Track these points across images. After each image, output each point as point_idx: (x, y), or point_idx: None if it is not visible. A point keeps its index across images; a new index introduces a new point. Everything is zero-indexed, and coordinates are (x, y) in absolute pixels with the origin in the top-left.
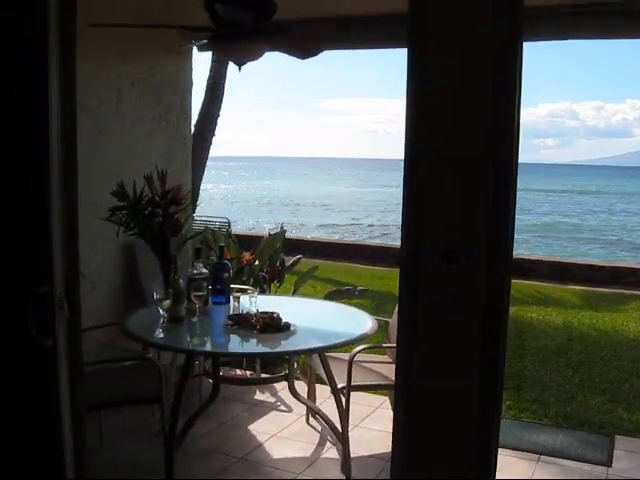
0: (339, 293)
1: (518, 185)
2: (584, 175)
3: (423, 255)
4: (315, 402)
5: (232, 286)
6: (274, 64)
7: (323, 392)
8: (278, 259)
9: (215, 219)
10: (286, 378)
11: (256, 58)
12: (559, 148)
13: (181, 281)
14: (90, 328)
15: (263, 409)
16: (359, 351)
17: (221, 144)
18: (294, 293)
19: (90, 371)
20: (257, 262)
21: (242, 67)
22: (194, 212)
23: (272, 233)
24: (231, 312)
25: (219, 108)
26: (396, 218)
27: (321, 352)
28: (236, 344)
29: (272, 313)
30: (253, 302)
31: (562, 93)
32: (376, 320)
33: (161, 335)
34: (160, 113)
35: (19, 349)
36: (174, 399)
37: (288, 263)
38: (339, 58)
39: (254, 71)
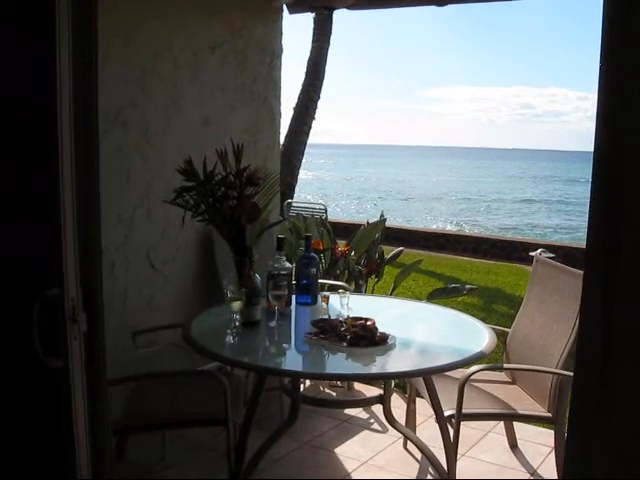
0: (445, 292)
1: None
2: None
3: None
4: (415, 422)
5: (322, 281)
6: (370, 49)
7: (426, 408)
8: (377, 251)
9: (311, 206)
10: (380, 400)
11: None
12: None
13: (258, 277)
14: (153, 329)
15: (354, 427)
16: (474, 373)
17: (317, 131)
18: (394, 290)
19: (142, 385)
20: (353, 254)
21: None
22: (291, 198)
23: (371, 222)
24: (317, 315)
25: (319, 91)
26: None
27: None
28: (318, 361)
29: (366, 320)
30: (344, 303)
31: None
32: (492, 330)
33: (230, 342)
34: (244, 82)
35: (24, 368)
36: (243, 420)
37: (388, 256)
38: (439, 46)
39: (348, 56)
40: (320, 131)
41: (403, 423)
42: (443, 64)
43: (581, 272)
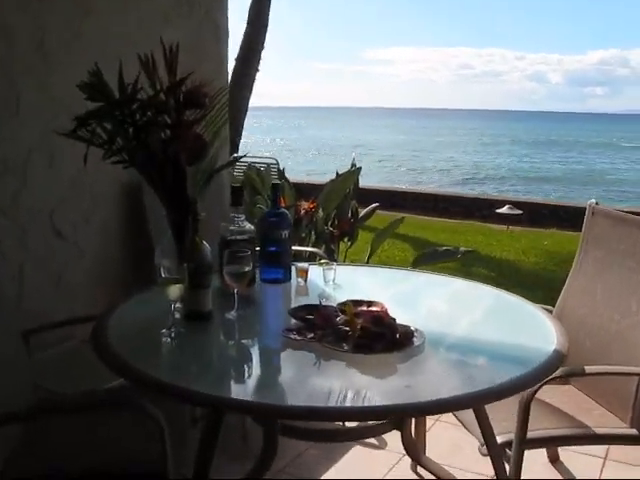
0: (434, 256)
1: None
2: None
3: None
4: (425, 427)
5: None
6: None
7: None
8: (350, 208)
9: (262, 161)
10: (399, 425)
11: None
12: (608, 97)
13: (207, 246)
14: (52, 325)
15: (340, 443)
16: (545, 383)
17: (259, 94)
18: (371, 255)
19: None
20: (320, 212)
21: None
22: (235, 152)
23: (341, 173)
24: (293, 299)
25: (263, 41)
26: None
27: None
28: (307, 383)
29: (371, 305)
30: (330, 278)
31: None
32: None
33: (165, 350)
34: None
35: None
36: (193, 474)
37: (361, 214)
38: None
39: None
40: (260, 93)
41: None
42: (382, 26)
43: None
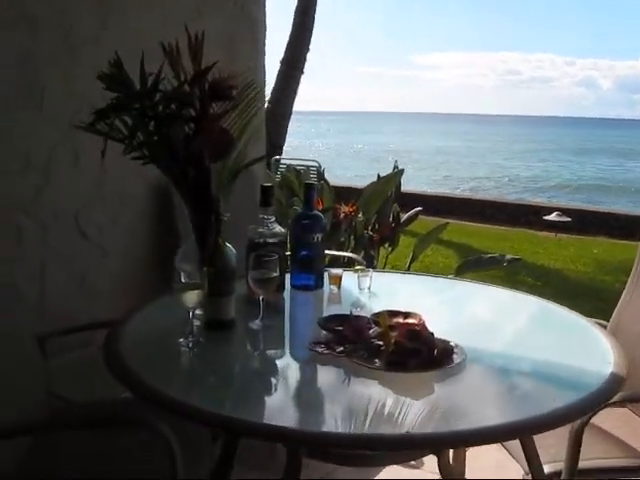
0: (478, 263)
1: None
2: None
3: None
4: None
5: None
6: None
7: None
8: (391, 212)
9: (303, 163)
10: (436, 451)
11: None
12: None
13: (232, 249)
14: (75, 330)
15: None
16: (603, 407)
17: (304, 99)
18: (412, 262)
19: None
20: (361, 216)
21: None
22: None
23: (382, 175)
24: (324, 308)
25: (308, 43)
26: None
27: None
28: (333, 405)
29: (407, 316)
30: (365, 286)
31: None
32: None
33: (177, 363)
34: None
35: None
36: None
37: (403, 218)
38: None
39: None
40: (304, 97)
41: None
42: (429, 31)
43: None
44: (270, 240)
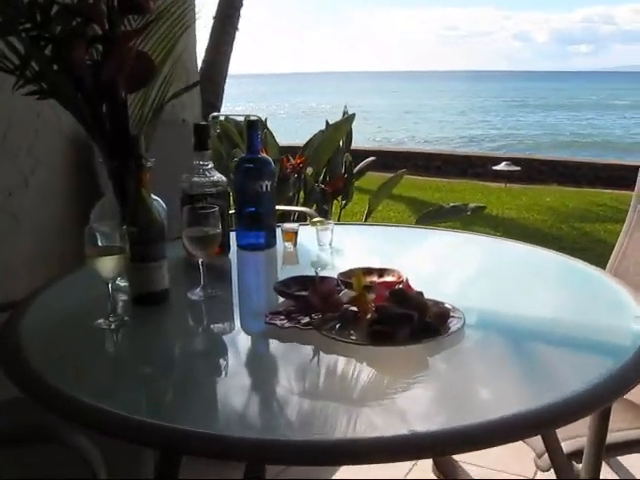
0: (439, 214)
1: None
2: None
3: None
4: None
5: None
6: None
7: None
8: (343, 162)
9: (240, 117)
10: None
11: None
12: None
13: (160, 203)
14: None
15: None
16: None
17: (239, 61)
18: (368, 216)
19: None
20: (309, 169)
21: None
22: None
23: (332, 123)
24: (279, 270)
25: None
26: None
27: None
28: (300, 396)
29: (384, 273)
30: (325, 241)
31: None
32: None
33: (91, 353)
34: None
35: None
36: None
37: (355, 169)
38: None
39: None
40: (240, 59)
41: None
42: None
43: None
44: (208, 190)
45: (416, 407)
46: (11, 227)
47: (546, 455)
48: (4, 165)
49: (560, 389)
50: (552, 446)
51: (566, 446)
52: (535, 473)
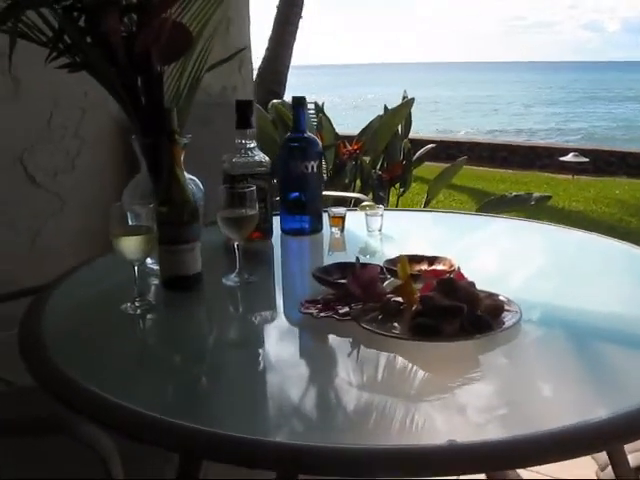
0: (502, 203)
1: None
2: None
3: None
4: None
5: (327, 193)
6: None
7: None
8: (402, 148)
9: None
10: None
11: None
12: None
13: (197, 182)
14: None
15: None
16: None
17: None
18: (427, 204)
19: None
20: (367, 156)
21: None
22: None
23: (390, 108)
24: (325, 257)
25: None
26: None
27: None
28: (333, 397)
29: (435, 262)
30: (375, 227)
31: None
32: None
33: (113, 342)
34: None
35: None
36: None
37: (414, 157)
38: None
39: None
40: (302, 50)
41: None
42: None
43: None
44: (251, 172)
45: (461, 415)
46: (56, 207)
47: (609, 468)
48: (50, 146)
49: (631, 396)
50: (617, 458)
51: (633, 459)
52: None
